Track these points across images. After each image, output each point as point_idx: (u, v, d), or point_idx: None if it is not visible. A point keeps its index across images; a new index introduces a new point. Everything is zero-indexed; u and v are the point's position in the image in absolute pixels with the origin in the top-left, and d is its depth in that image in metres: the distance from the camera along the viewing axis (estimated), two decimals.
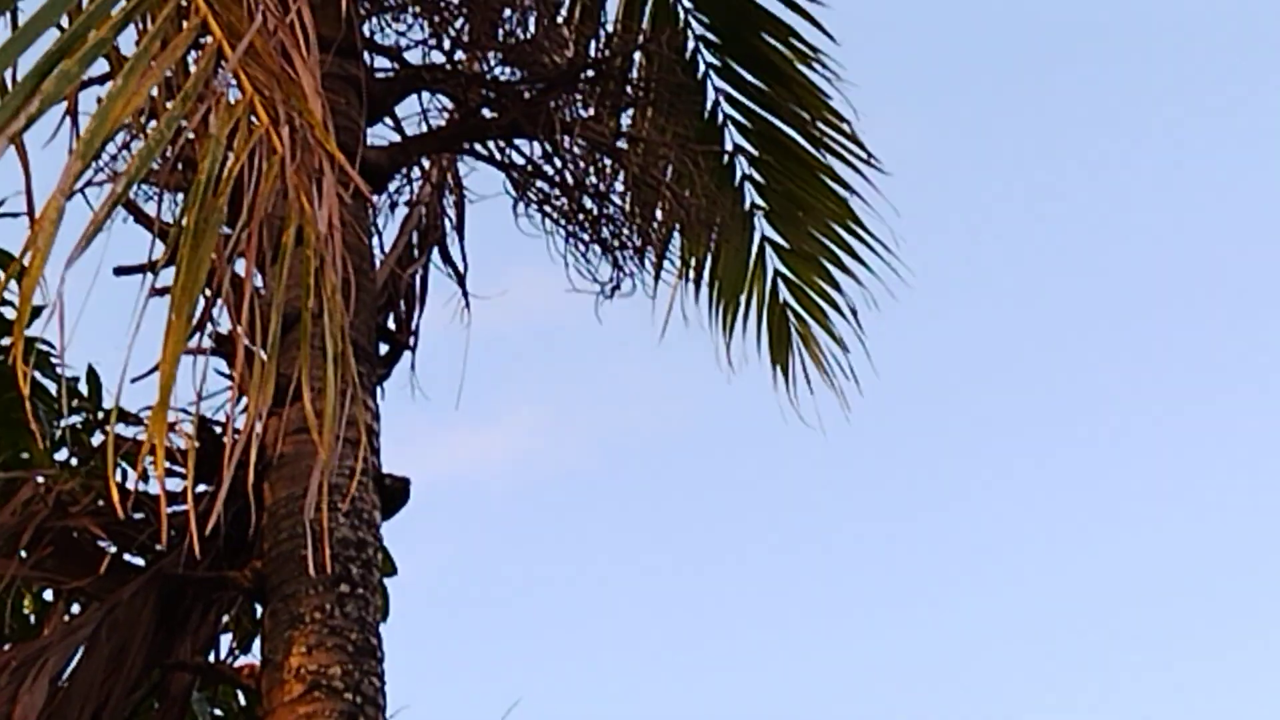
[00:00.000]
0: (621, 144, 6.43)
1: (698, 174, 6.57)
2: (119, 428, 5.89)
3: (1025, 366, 13.39)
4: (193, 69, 4.09)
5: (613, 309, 6.57)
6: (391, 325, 6.41)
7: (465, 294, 6.66)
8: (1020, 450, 13.38)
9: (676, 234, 7.25)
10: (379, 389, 6.12)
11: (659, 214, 7.15)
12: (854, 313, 7.28)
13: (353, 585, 5.43)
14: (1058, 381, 13.42)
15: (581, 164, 6.20)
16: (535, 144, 6.19)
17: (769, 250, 7.46)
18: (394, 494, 5.73)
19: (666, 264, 7.15)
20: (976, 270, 12.40)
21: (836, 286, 7.36)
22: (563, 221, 6.23)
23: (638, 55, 7.20)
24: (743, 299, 7.42)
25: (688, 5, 7.31)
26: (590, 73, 6.10)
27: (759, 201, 7.43)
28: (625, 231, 6.27)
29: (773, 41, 7.24)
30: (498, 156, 6.22)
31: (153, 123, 4.08)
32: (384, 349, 6.29)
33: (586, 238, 6.21)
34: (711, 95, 7.35)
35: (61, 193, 3.55)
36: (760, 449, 11.32)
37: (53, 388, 6.64)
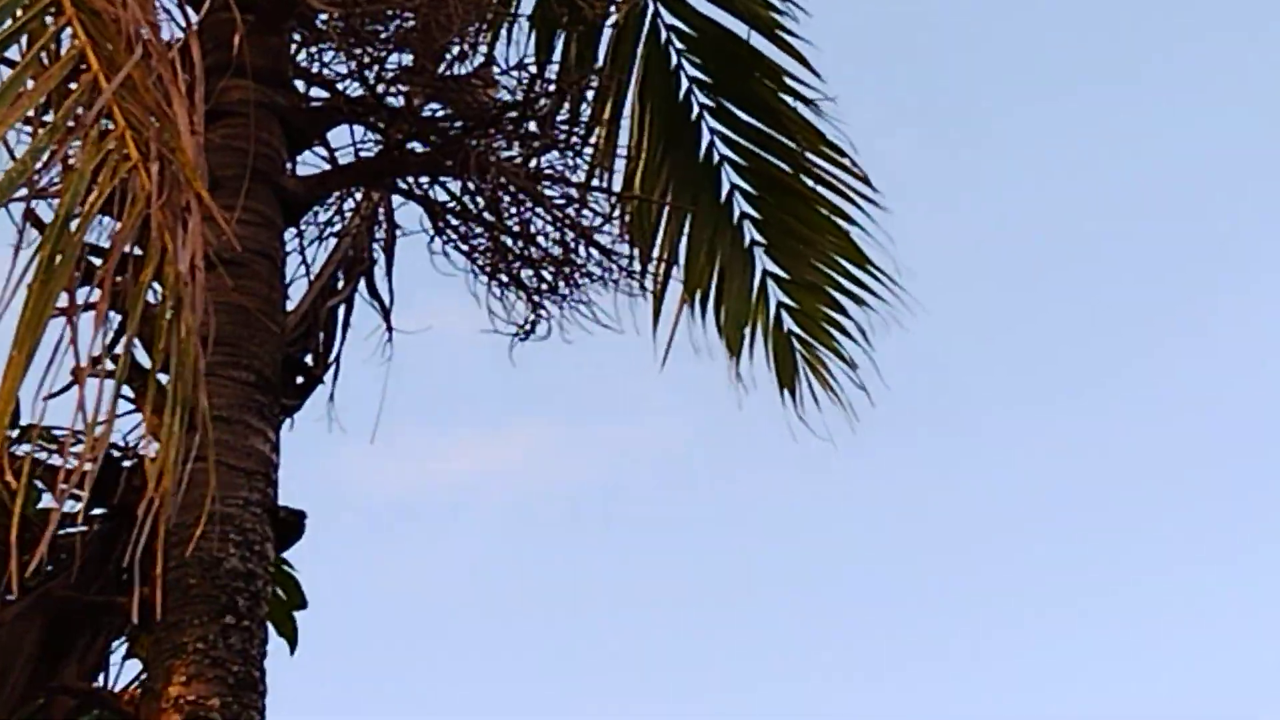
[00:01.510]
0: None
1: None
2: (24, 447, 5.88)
3: (1028, 381, 13.42)
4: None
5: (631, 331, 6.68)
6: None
7: (390, 328, 6.64)
8: (1024, 469, 13.38)
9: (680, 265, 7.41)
10: (289, 420, 6.12)
11: (658, 248, 7.27)
12: (863, 334, 7.41)
13: (238, 617, 5.40)
14: (1059, 397, 13.45)
15: (507, 203, 6.18)
16: (458, 181, 6.18)
17: (771, 283, 7.57)
18: (288, 527, 5.72)
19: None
20: (979, 290, 12.44)
21: (843, 311, 7.48)
22: (481, 261, 6.21)
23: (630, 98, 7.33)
24: (747, 331, 7.52)
25: (680, 47, 7.44)
26: (513, 113, 6.06)
27: (758, 237, 7.56)
28: (545, 273, 6.23)
29: (764, 81, 7.39)
30: (418, 192, 6.20)
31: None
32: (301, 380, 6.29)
33: (504, 278, 6.19)
34: (707, 136, 7.49)
35: None
36: (767, 467, 11.34)
37: None
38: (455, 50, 6.30)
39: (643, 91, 7.46)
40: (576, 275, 6.30)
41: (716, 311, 7.51)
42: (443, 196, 6.28)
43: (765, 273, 7.57)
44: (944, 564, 13.11)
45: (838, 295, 7.45)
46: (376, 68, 6.13)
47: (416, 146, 6.22)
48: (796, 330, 7.59)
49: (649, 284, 6.97)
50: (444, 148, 6.04)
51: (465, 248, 6.22)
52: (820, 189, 7.40)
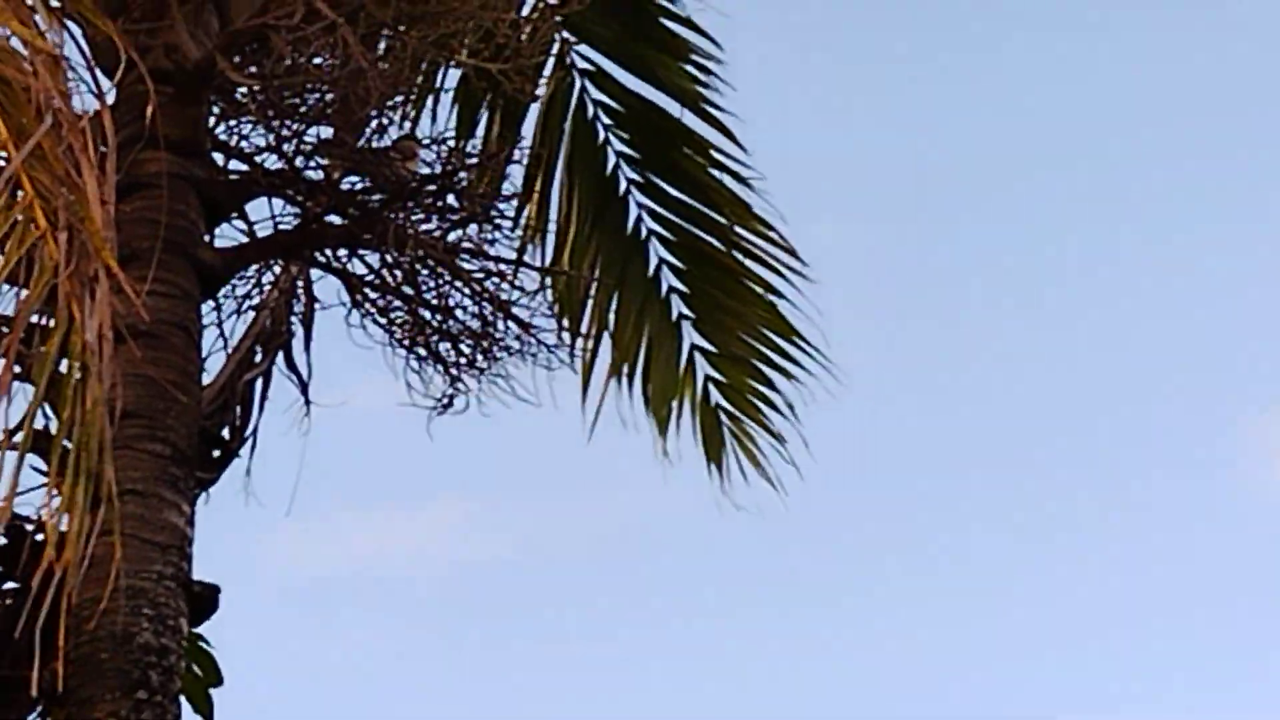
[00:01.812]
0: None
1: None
2: None
3: (956, 453, 13.47)
4: None
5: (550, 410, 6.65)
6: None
7: (307, 401, 6.60)
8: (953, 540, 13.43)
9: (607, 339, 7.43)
10: (204, 493, 6.07)
11: (585, 323, 7.28)
12: (791, 408, 7.43)
13: (150, 692, 5.34)
14: (990, 469, 13.51)
15: (425, 276, 6.17)
16: (376, 254, 6.17)
17: (698, 357, 7.60)
18: (203, 601, 5.67)
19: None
20: (909, 362, 12.50)
21: (770, 385, 7.50)
22: (399, 334, 6.20)
23: (558, 172, 7.36)
24: (674, 403, 7.53)
25: (607, 122, 7.49)
26: (432, 186, 6.05)
27: (686, 311, 7.59)
28: (464, 347, 6.22)
29: (692, 155, 7.45)
30: (337, 265, 6.18)
31: None
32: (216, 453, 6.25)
33: (422, 351, 6.17)
34: (634, 211, 7.53)
35: None
36: (696, 540, 11.34)
37: None
38: (374, 124, 6.30)
39: (570, 165, 7.50)
40: (495, 349, 6.29)
41: (644, 385, 7.54)
42: (361, 270, 6.26)
43: (693, 346, 7.60)
44: (867, 640, 13.11)
45: (766, 369, 7.47)
46: (295, 140, 6.12)
47: (335, 219, 6.21)
48: (724, 404, 7.61)
49: (575, 357, 6.96)
50: (363, 220, 6.03)
51: (383, 321, 6.20)
52: (749, 262, 7.43)
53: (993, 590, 13.33)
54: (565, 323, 7.25)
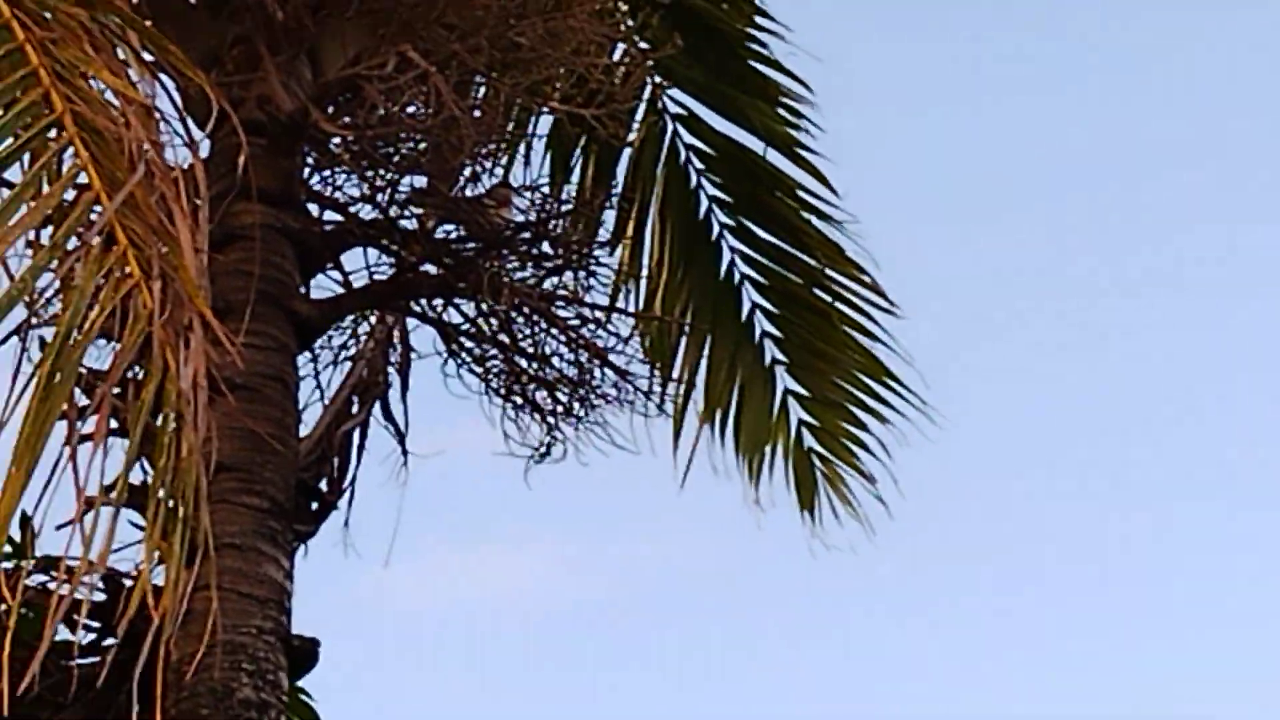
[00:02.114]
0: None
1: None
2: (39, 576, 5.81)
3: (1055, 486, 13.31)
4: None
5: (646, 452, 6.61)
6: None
7: (405, 452, 6.56)
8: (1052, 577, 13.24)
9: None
10: (302, 546, 6.03)
11: (677, 368, 7.24)
12: (885, 449, 7.39)
13: None
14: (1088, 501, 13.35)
15: (521, 324, 6.12)
16: (471, 303, 6.13)
17: (791, 401, 7.55)
18: (302, 655, 5.61)
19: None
20: (1004, 398, 12.40)
21: (864, 427, 7.46)
22: (495, 383, 6.15)
23: (650, 217, 7.32)
24: (768, 449, 7.50)
25: (699, 166, 7.47)
26: (526, 234, 6.01)
27: (779, 356, 7.56)
28: (560, 394, 6.16)
29: (783, 198, 7.42)
30: (432, 314, 6.14)
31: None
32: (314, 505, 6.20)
33: (519, 400, 6.12)
34: (727, 255, 7.51)
35: None
36: (788, 580, 11.25)
37: None
38: (468, 171, 6.26)
39: (663, 210, 7.47)
40: (592, 397, 6.22)
41: (735, 431, 7.50)
42: (457, 319, 6.22)
43: (786, 391, 7.54)
44: (963, 680, 12.97)
45: (859, 411, 7.40)
46: (389, 190, 6.09)
47: (430, 268, 6.17)
48: (817, 448, 7.54)
49: (667, 404, 6.89)
50: (457, 269, 5.98)
51: (480, 370, 6.15)
52: (841, 306, 7.36)
53: (1080, 623, 13.17)
54: (657, 368, 7.18)
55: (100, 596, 5.65)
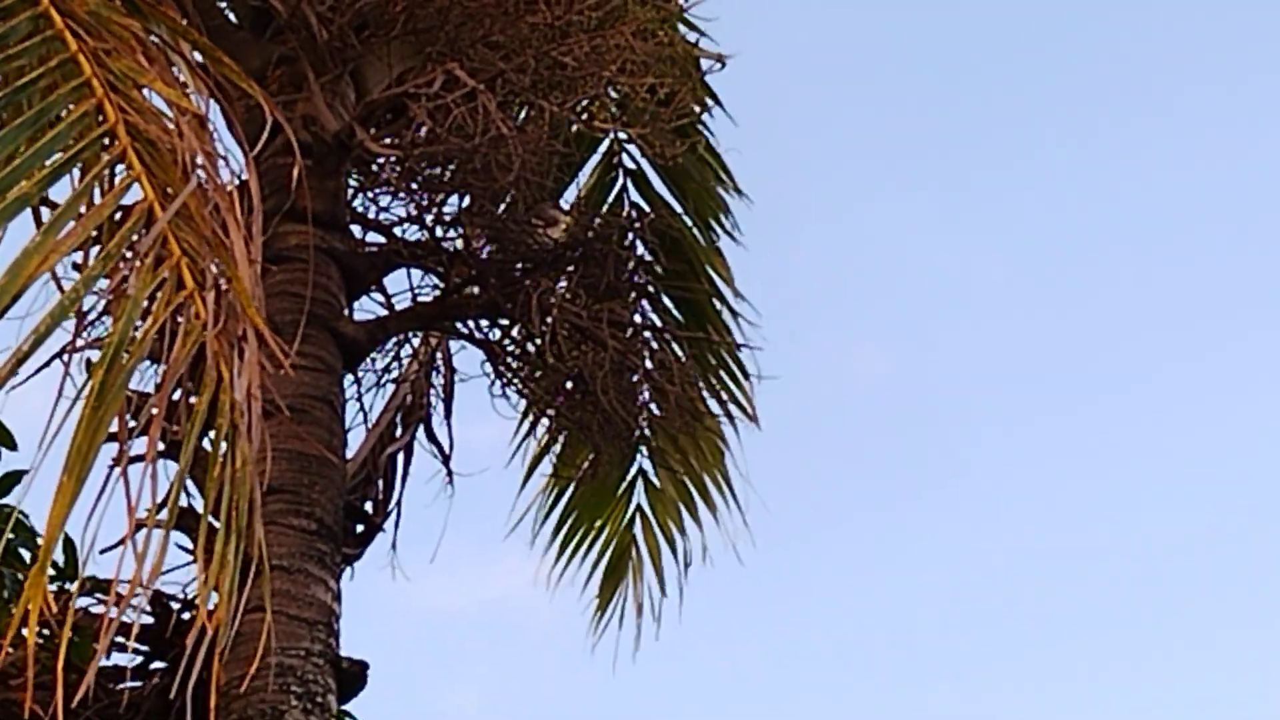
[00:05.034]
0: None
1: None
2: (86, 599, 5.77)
3: None
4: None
5: None
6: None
7: (450, 473, 6.51)
8: None
9: None
10: (349, 569, 5.99)
11: None
12: None
13: None
14: None
15: (561, 345, 6.05)
16: (516, 324, 6.07)
17: None
18: (350, 677, 5.56)
19: None
20: None
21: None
22: (541, 403, 6.09)
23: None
24: None
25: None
26: (574, 253, 5.95)
27: None
28: (608, 414, 6.09)
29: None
30: (478, 335, 6.08)
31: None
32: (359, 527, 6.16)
33: (567, 420, 6.06)
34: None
35: None
36: None
37: (29, 557, 6.51)
38: (514, 191, 6.21)
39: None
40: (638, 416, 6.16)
41: None
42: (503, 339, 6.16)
43: None
44: None
45: None
46: (435, 210, 6.04)
47: (475, 289, 6.12)
48: None
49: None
50: (503, 290, 5.93)
51: (525, 390, 6.09)
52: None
53: None
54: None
55: (148, 620, 5.63)
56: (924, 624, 12.85)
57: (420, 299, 6.23)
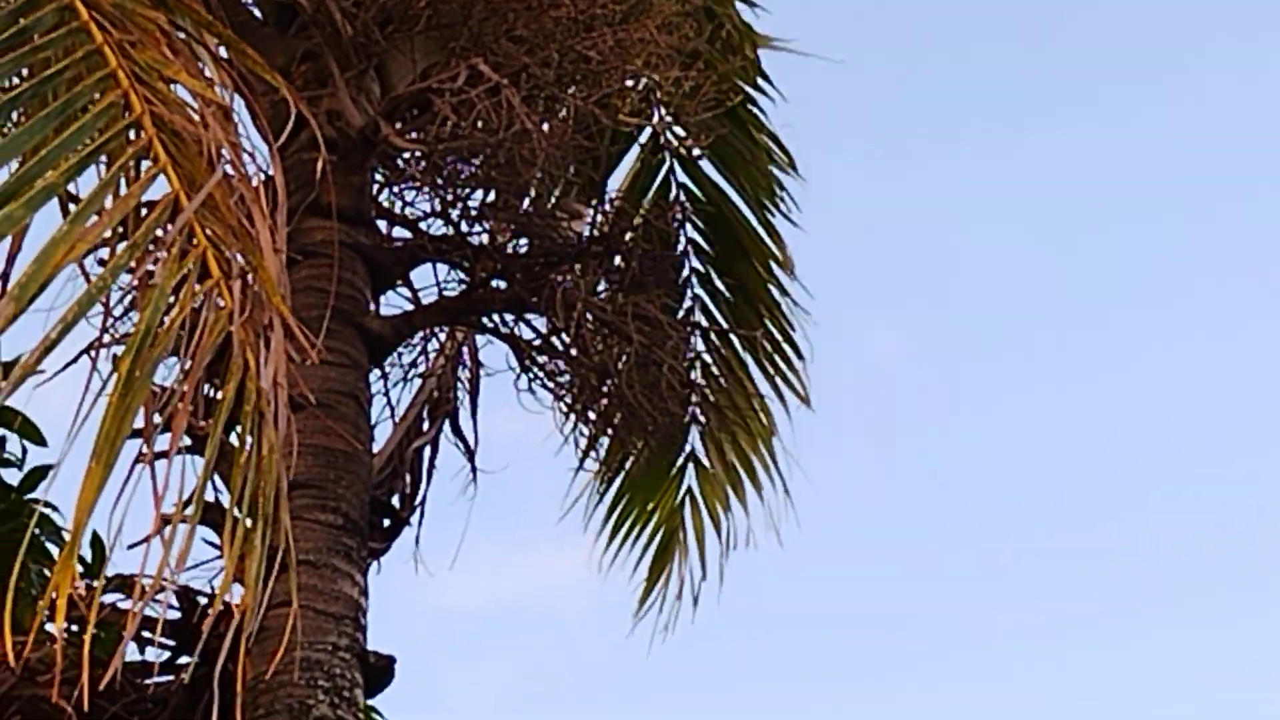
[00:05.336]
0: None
1: None
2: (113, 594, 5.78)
3: None
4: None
5: None
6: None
7: (474, 469, 6.51)
8: None
9: None
10: (375, 563, 5.99)
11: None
12: None
13: None
14: None
15: (587, 339, 6.04)
16: (542, 318, 6.06)
17: None
18: (378, 672, 5.55)
19: None
20: None
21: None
22: (568, 397, 6.08)
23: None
24: None
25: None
26: (598, 247, 5.94)
27: None
28: (631, 409, 6.08)
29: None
30: (504, 330, 6.08)
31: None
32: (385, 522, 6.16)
33: (592, 415, 6.05)
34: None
35: None
36: None
37: (55, 551, 6.52)
38: (539, 185, 6.21)
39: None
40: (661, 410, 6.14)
41: None
42: (528, 334, 6.16)
43: None
44: None
45: None
46: (460, 205, 6.04)
47: (500, 284, 6.12)
48: None
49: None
50: (528, 284, 5.92)
51: (551, 385, 6.08)
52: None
53: None
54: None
55: (174, 615, 5.63)
56: (924, 623, 12.86)
57: (446, 293, 6.22)
